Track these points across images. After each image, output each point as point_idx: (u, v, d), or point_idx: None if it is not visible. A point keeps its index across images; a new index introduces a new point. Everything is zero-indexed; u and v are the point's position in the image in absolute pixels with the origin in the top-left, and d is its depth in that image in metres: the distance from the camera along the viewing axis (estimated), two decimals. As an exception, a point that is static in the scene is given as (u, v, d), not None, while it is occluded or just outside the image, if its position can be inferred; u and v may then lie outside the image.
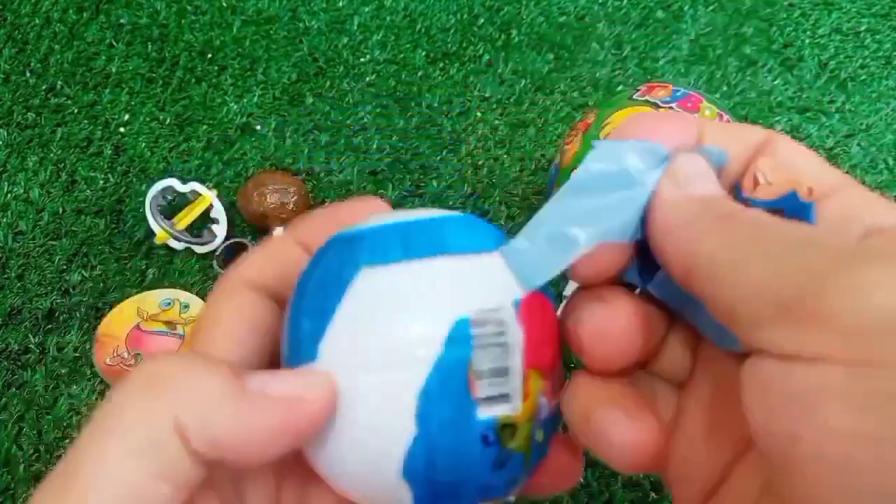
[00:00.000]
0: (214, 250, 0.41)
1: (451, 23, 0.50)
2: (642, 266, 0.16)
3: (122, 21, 0.50)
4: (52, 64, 0.48)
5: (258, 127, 0.46)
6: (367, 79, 0.48)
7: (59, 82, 0.47)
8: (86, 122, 0.46)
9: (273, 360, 0.19)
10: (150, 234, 0.41)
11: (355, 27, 0.50)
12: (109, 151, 0.44)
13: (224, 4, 0.51)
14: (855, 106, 0.47)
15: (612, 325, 0.15)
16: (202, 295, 0.39)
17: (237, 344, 0.18)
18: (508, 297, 0.15)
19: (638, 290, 0.16)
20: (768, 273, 0.13)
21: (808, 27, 0.51)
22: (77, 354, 0.38)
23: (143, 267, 0.40)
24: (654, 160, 0.15)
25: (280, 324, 0.18)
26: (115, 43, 0.49)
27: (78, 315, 0.39)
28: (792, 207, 0.15)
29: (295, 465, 0.19)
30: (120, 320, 0.38)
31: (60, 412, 0.36)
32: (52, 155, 0.44)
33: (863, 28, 0.51)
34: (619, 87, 0.48)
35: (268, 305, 0.19)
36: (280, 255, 0.19)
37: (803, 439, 0.12)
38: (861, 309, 0.11)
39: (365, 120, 0.46)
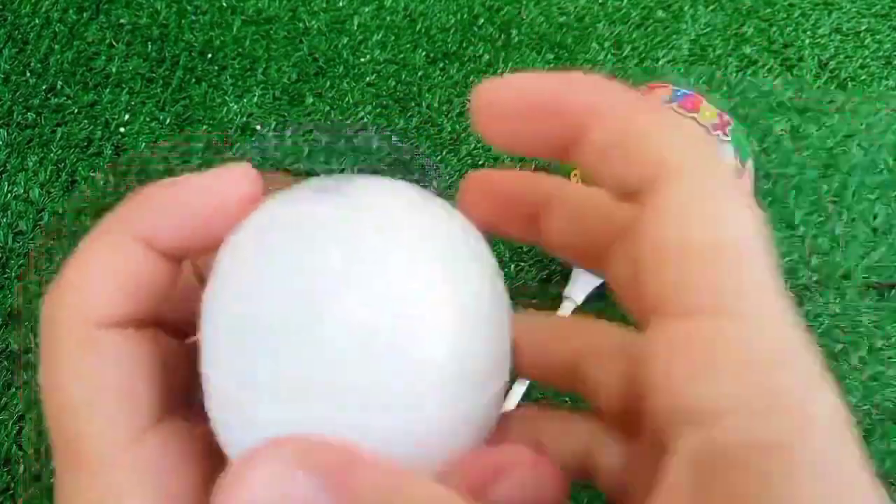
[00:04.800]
0: (214, 250, 0.41)
1: (451, 23, 0.50)
2: None
3: (122, 21, 0.50)
4: (52, 64, 0.48)
5: (258, 127, 0.46)
6: (367, 79, 0.48)
7: (59, 82, 0.47)
8: (86, 122, 0.46)
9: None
10: (150, 234, 0.41)
11: (355, 27, 0.50)
12: (109, 151, 0.44)
13: (224, 4, 0.51)
14: (855, 106, 0.47)
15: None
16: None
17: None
18: None
19: None
20: None
21: (808, 27, 0.51)
22: (77, 354, 0.38)
23: (143, 267, 0.40)
24: None
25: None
26: (115, 43, 0.49)
27: (78, 315, 0.39)
28: None
29: None
30: (120, 320, 0.38)
31: (60, 412, 0.36)
32: (52, 155, 0.44)
33: (863, 28, 0.51)
34: (619, 87, 0.48)
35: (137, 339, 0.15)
36: (120, 267, 0.15)
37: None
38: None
39: (365, 120, 0.46)
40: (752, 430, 0.11)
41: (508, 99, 0.15)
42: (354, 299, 0.14)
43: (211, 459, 0.15)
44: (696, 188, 0.13)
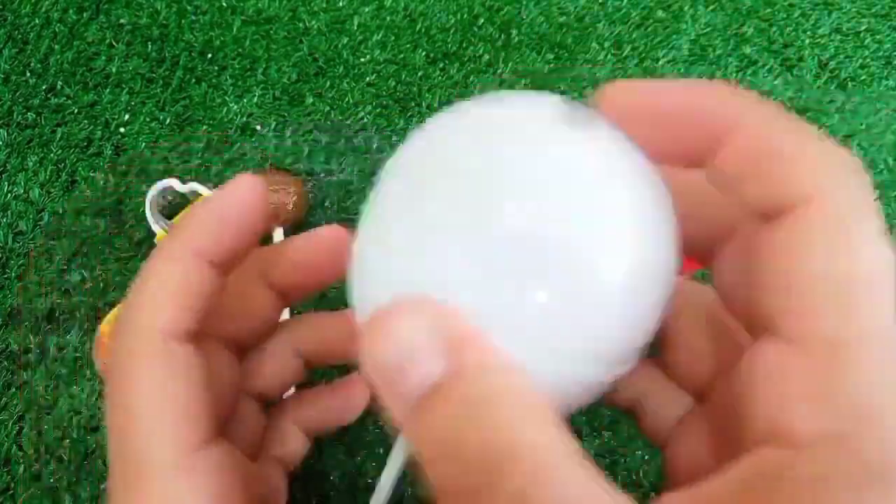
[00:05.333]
0: (214, 250, 0.41)
1: (451, 23, 0.50)
2: None
3: (122, 21, 0.50)
4: (52, 64, 0.48)
5: (258, 127, 0.46)
6: (367, 79, 0.48)
7: (59, 82, 0.47)
8: (86, 122, 0.46)
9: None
10: (150, 234, 0.41)
11: (355, 27, 0.50)
12: (109, 151, 0.44)
13: (224, 4, 0.51)
14: (855, 106, 0.47)
15: None
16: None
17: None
18: None
19: None
20: None
21: (808, 27, 0.51)
22: (77, 354, 0.38)
23: (143, 267, 0.40)
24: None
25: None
26: (115, 43, 0.49)
27: (78, 315, 0.39)
28: None
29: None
30: (120, 320, 0.38)
31: (60, 412, 0.36)
32: (52, 155, 0.44)
33: (863, 28, 0.51)
34: (619, 87, 0.48)
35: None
36: (188, 287, 0.17)
37: None
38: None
39: (365, 120, 0.46)
40: (828, 472, 0.11)
41: (641, 104, 0.15)
42: (546, 206, 0.13)
43: (251, 486, 0.16)
44: (831, 218, 0.13)
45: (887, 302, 0.12)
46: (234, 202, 0.17)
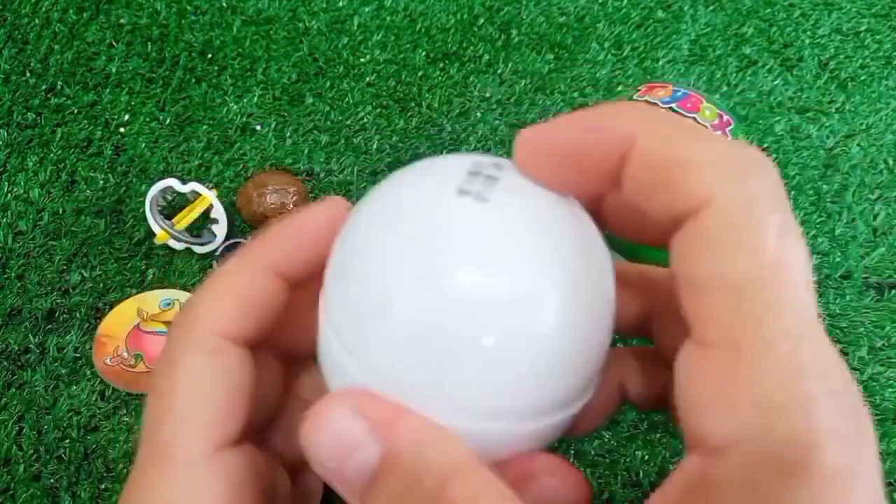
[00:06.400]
0: (214, 250, 0.41)
1: (451, 23, 0.50)
2: None
3: (122, 21, 0.50)
4: (52, 64, 0.48)
5: (258, 127, 0.46)
6: (367, 79, 0.48)
7: (59, 82, 0.47)
8: (86, 122, 0.46)
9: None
10: (150, 234, 0.41)
11: (355, 27, 0.50)
12: (109, 151, 0.44)
13: (224, 4, 0.51)
14: (855, 106, 0.47)
15: None
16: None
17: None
18: None
19: None
20: None
21: (808, 27, 0.51)
22: (77, 354, 0.38)
23: (143, 267, 0.40)
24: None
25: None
26: (115, 43, 0.49)
27: (78, 315, 0.39)
28: None
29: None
30: (120, 320, 0.38)
31: (60, 412, 0.36)
32: (52, 155, 0.44)
33: (863, 28, 0.51)
34: (619, 87, 0.48)
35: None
36: (251, 295, 0.17)
37: None
38: None
39: (365, 120, 0.46)
40: (744, 475, 0.11)
41: (547, 147, 0.15)
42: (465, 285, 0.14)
43: (271, 489, 0.17)
44: (726, 220, 0.13)
45: (790, 298, 0.12)
46: (315, 221, 0.18)
